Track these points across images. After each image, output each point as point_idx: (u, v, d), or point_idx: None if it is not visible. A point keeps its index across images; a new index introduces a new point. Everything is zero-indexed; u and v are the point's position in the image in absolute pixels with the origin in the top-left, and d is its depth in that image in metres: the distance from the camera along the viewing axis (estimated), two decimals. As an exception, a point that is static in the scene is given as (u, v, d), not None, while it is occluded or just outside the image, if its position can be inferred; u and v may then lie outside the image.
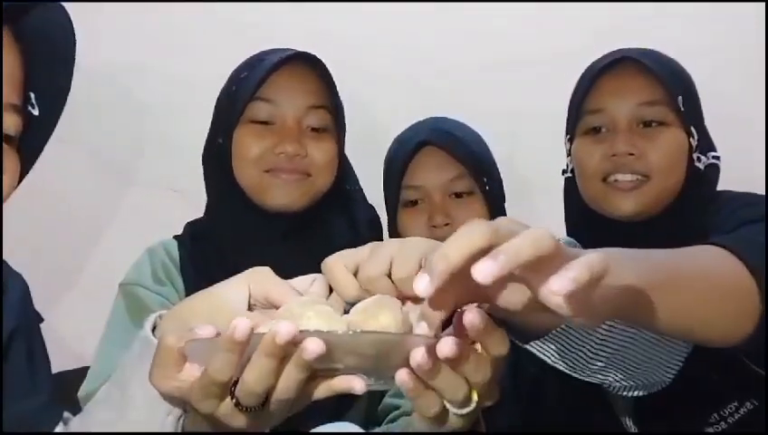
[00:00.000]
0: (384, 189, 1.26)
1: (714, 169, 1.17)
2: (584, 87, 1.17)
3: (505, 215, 1.20)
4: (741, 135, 1.85)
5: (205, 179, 1.24)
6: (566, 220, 1.26)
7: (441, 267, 0.49)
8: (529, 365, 1.03)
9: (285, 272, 1.12)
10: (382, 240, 1.23)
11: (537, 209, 1.60)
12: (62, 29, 0.73)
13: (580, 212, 1.20)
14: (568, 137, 1.21)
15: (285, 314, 0.62)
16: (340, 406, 1.06)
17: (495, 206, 1.22)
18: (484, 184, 1.21)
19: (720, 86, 1.88)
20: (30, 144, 0.75)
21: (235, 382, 0.59)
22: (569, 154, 1.22)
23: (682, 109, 1.12)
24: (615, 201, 1.11)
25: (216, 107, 1.22)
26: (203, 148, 1.25)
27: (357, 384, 0.60)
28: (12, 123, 0.71)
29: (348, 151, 1.30)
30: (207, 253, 1.15)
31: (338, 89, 1.21)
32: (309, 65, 1.14)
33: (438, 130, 1.21)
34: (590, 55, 1.95)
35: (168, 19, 1.81)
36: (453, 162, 1.19)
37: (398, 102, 1.91)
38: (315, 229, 1.12)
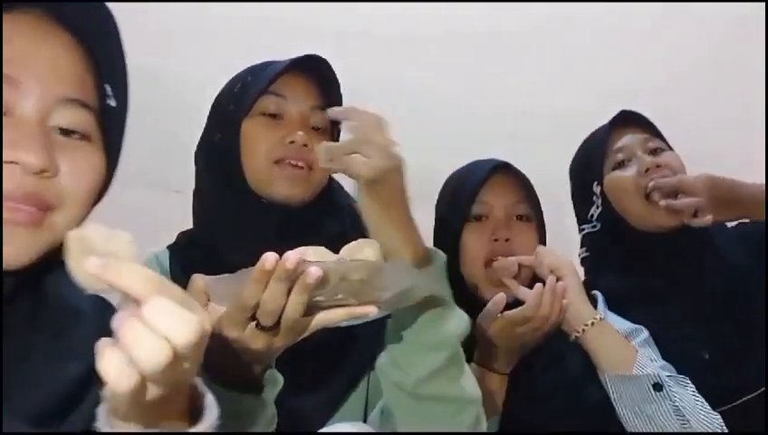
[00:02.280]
0: (450, 205, 1.38)
1: None
2: (601, 139, 1.46)
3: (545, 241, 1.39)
4: (741, 136, 1.86)
5: (201, 174, 1.23)
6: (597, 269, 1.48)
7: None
8: (574, 366, 1.23)
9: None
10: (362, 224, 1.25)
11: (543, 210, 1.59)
12: (110, 18, 0.71)
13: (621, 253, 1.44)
14: (596, 183, 1.44)
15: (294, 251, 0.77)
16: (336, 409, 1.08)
17: (542, 233, 1.40)
18: (540, 213, 1.38)
19: (721, 88, 1.89)
20: (113, 138, 0.75)
21: (253, 316, 0.76)
22: (598, 197, 1.45)
23: (668, 142, 1.47)
24: (657, 214, 1.37)
25: (219, 103, 1.22)
26: (198, 143, 1.24)
27: (371, 310, 0.78)
28: (79, 119, 0.69)
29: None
30: (198, 258, 1.15)
31: (344, 94, 1.23)
32: (318, 66, 1.18)
33: (508, 163, 1.37)
34: (590, 55, 1.97)
35: (169, 20, 1.81)
36: (519, 188, 1.35)
37: (398, 103, 1.92)
38: (307, 223, 1.14)
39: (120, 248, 0.58)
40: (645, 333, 1.26)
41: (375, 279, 0.75)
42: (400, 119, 1.93)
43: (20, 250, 0.64)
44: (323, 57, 1.17)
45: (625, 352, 1.19)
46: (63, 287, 0.69)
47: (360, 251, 0.80)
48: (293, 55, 1.15)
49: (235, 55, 1.91)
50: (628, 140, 1.44)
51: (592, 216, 1.47)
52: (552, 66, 1.97)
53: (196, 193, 1.24)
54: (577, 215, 1.53)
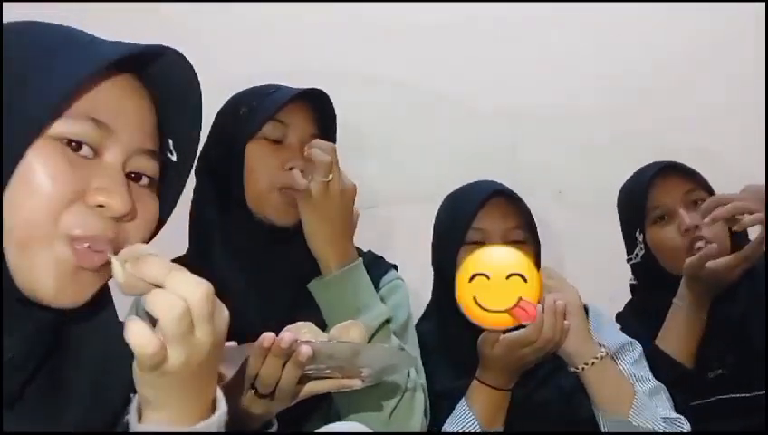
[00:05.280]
0: (447, 230, 1.40)
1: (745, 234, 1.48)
2: (641, 193, 1.51)
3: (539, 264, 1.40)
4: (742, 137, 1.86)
5: (200, 190, 1.25)
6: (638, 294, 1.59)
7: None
8: (568, 381, 1.25)
9: (266, 277, 1.18)
10: None
11: (543, 210, 1.60)
12: (188, 75, 0.76)
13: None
14: (638, 231, 1.51)
15: (290, 328, 0.92)
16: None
17: (537, 256, 1.39)
18: (536, 236, 1.38)
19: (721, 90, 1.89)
20: (169, 191, 0.78)
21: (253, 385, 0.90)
22: (641, 243, 1.52)
23: (710, 187, 1.50)
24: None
25: (221, 123, 1.26)
26: (198, 159, 1.24)
27: (355, 382, 0.94)
28: (149, 167, 0.74)
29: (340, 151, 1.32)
30: None
31: (335, 92, 1.27)
32: (319, 98, 1.25)
33: (505, 188, 1.38)
34: (591, 56, 1.96)
35: (168, 20, 1.81)
36: (515, 213, 1.35)
37: (392, 103, 1.92)
38: (296, 243, 1.18)
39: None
40: (638, 349, 1.30)
41: (357, 359, 0.90)
42: (401, 118, 1.94)
43: (84, 292, 0.68)
44: (325, 91, 1.25)
45: (623, 394, 1.20)
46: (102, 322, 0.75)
47: (347, 332, 0.94)
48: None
49: (234, 56, 1.91)
50: (667, 195, 1.48)
51: (637, 254, 1.53)
52: (553, 61, 1.97)
53: (194, 205, 1.26)
54: (626, 246, 1.57)
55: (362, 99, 1.83)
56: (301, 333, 0.90)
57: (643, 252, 1.52)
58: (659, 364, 1.34)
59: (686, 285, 1.39)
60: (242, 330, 1.10)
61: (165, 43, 0.73)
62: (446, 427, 1.20)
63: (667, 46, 1.95)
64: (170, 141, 0.78)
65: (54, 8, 1.83)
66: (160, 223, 0.78)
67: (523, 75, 1.95)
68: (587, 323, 1.24)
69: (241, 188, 1.19)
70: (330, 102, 1.26)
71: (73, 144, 0.67)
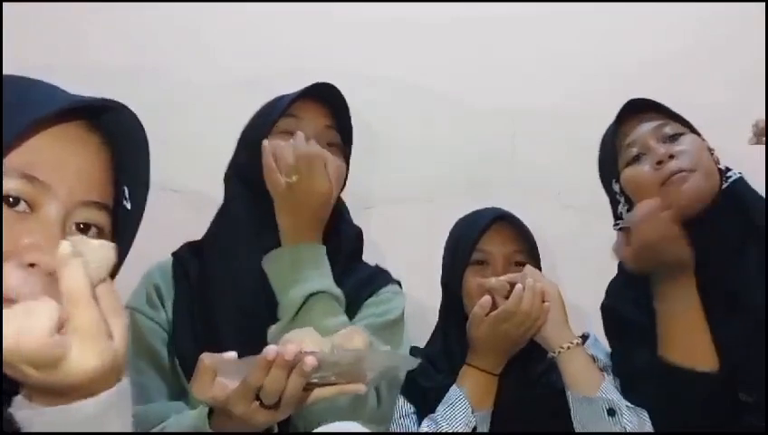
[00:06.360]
0: (454, 251, 1.49)
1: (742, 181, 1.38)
2: (612, 131, 1.41)
3: None
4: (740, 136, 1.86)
5: (229, 191, 1.31)
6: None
7: None
8: (559, 380, 1.31)
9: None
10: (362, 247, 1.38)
11: (542, 210, 1.60)
12: (138, 125, 0.77)
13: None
14: (614, 181, 1.41)
15: (291, 337, 0.94)
16: None
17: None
18: (537, 258, 1.46)
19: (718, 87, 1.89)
20: (123, 239, 0.78)
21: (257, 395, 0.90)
22: (620, 194, 1.40)
23: (689, 123, 1.39)
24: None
25: (244, 131, 1.34)
26: (227, 167, 1.32)
27: (359, 388, 0.93)
28: (98, 218, 0.74)
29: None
30: (200, 266, 1.25)
31: (344, 93, 1.32)
32: (329, 92, 1.32)
33: (508, 214, 1.46)
34: (591, 56, 1.97)
35: (168, 20, 1.81)
36: (517, 238, 1.44)
37: (392, 103, 1.92)
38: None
39: (90, 253, 0.64)
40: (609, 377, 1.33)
41: (361, 364, 0.91)
42: (400, 118, 1.94)
43: None
44: (334, 85, 1.31)
45: (592, 377, 1.29)
46: None
47: (350, 340, 0.95)
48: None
49: (235, 56, 1.91)
50: (640, 131, 1.37)
51: (621, 213, 1.40)
52: (551, 59, 1.97)
53: (223, 206, 1.30)
54: (612, 213, 1.45)
55: (363, 99, 1.84)
56: (304, 342, 0.91)
57: (626, 208, 1.37)
58: (673, 380, 1.22)
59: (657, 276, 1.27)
60: (248, 328, 1.15)
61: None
62: (439, 409, 1.28)
63: (667, 46, 1.95)
64: (126, 189, 0.78)
65: (54, 8, 1.84)
66: (116, 267, 0.76)
67: (523, 75, 1.95)
68: (564, 313, 1.34)
69: (261, 180, 1.24)
70: (340, 94, 1.32)
71: (10, 199, 0.67)
